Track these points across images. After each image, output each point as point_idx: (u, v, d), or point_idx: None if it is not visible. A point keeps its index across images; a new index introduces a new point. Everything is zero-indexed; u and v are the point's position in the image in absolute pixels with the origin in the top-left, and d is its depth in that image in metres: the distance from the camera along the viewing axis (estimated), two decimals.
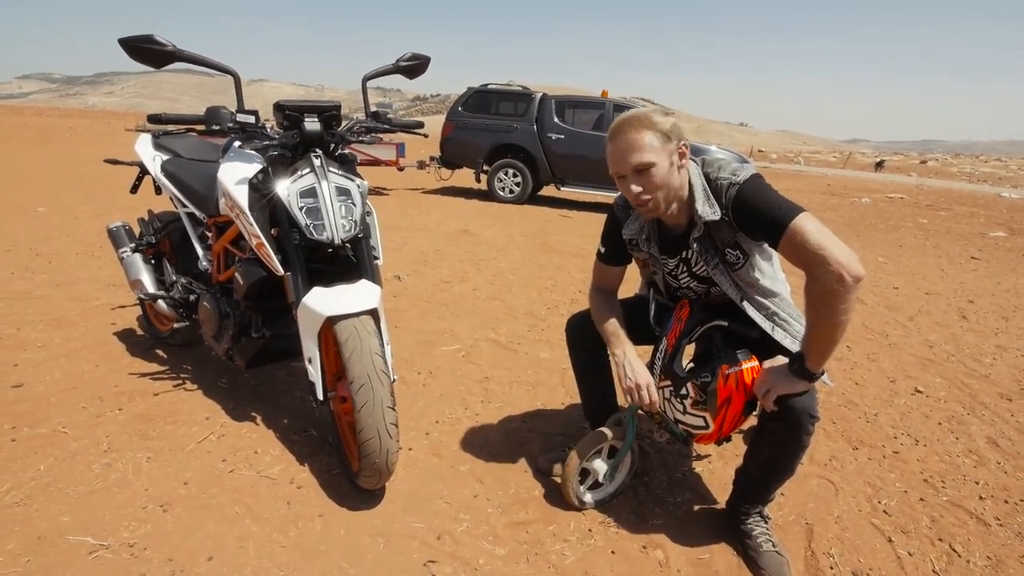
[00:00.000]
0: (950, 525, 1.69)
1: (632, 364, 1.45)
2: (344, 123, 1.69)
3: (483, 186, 8.55)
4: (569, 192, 8.27)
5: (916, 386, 2.68)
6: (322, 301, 1.48)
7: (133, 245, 2.27)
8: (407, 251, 4.71)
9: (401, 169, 9.50)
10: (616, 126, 1.31)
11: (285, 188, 1.54)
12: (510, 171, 8.10)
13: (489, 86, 8.43)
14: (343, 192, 1.59)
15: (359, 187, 1.63)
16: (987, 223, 9.64)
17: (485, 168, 8.29)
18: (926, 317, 3.86)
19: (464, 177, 9.87)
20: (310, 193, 1.54)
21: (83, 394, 2.01)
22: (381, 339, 1.53)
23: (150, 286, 2.20)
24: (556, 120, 7.92)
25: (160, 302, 2.16)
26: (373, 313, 1.55)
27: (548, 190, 8.85)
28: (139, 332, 2.60)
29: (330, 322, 1.48)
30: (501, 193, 8.19)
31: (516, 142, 8.00)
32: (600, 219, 7.61)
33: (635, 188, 1.31)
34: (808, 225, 1.21)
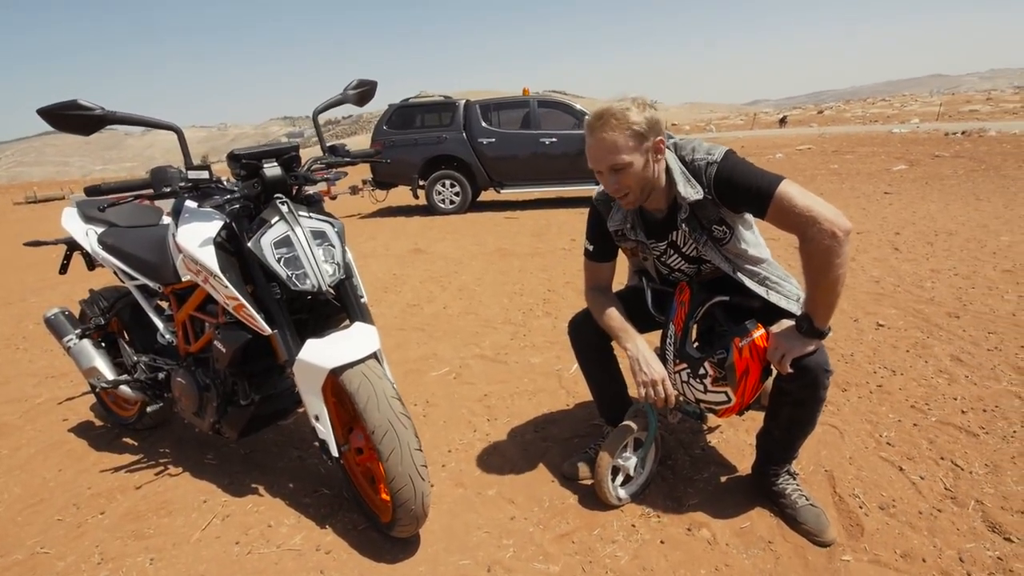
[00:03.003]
0: (946, 443, 1.82)
1: (646, 358, 1.46)
2: (304, 163, 1.60)
3: (422, 201, 8.43)
4: (509, 194, 8.30)
5: (877, 320, 2.88)
6: (321, 354, 1.40)
7: (79, 331, 2.05)
8: (364, 280, 4.52)
9: (334, 198, 9.20)
10: (592, 122, 1.32)
11: (256, 241, 1.44)
12: (447, 182, 8.04)
13: (410, 100, 8.32)
14: (319, 235, 1.50)
15: (335, 227, 1.55)
16: (888, 159, 10.54)
17: (421, 183, 8.18)
18: (864, 255, 4.16)
19: (400, 195, 9.70)
20: (285, 242, 1.45)
21: (54, 505, 1.80)
22: (390, 381, 1.46)
23: (108, 372, 2.00)
24: (484, 124, 7.93)
25: (123, 387, 1.97)
26: (376, 355, 1.48)
27: (488, 195, 8.85)
28: (98, 423, 2.37)
29: (333, 374, 1.40)
30: (442, 205, 8.11)
31: (448, 152, 7.94)
32: (545, 214, 7.66)
33: (612, 184, 1.36)
34: (792, 190, 1.27)
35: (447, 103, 8.14)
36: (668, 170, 1.40)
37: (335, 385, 1.45)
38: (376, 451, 1.34)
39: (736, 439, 1.93)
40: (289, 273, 1.43)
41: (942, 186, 7.31)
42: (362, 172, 9.86)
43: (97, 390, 2.14)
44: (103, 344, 2.11)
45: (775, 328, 1.37)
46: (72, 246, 2.12)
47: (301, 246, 1.45)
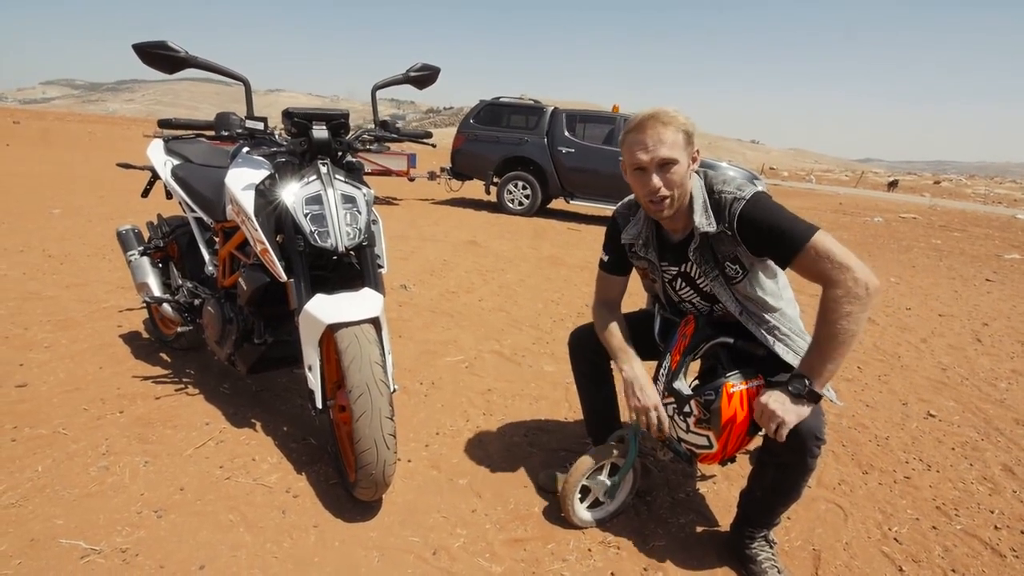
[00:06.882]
0: (963, 556, 1.63)
1: (641, 383, 1.42)
2: (352, 132, 1.70)
3: (493, 198, 8.59)
4: (578, 206, 8.27)
5: (929, 410, 2.62)
6: (324, 308, 1.48)
7: (141, 248, 2.28)
8: (414, 261, 4.72)
9: (412, 179, 9.58)
10: (643, 118, 1.28)
11: (291, 195, 1.54)
12: (520, 183, 8.13)
13: (501, 99, 8.50)
14: (348, 200, 1.59)
15: (365, 195, 1.63)
16: (1002, 245, 9.51)
17: (495, 180, 8.33)
18: (939, 339, 3.79)
19: (474, 189, 9.92)
20: (315, 200, 1.54)
21: (85, 396, 2.01)
22: (382, 348, 1.52)
23: (156, 289, 2.21)
24: (567, 134, 7.95)
25: (165, 305, 2.17)
26: (375, 322, 1.54)
27: (557, 203, 8.86)
28: (144, 335, 2.61)
29: (331, 330, 1.47)
30: (510, 205, 8.21)
31: (527, 155, 8.04)
32: None
33: (656, 182, 1.29)
34: (828, 241, 1.22)
35: (535, 107, 8.24)
36: (691, 195, 1.36)
37: (334, 342, 1.52)
38: (350, 410, 1.40)
39: (728, 493, 1.83)
40: (312, 229, 1.52)
41: None
42: (442, 160, 10.18)
43: (146, 304, 2.36)
44: (159, 265, 2.34)
45: (763, 397, 1.25)
46: (155, 174, 2.36)
47: (329, 206, 1.54)
